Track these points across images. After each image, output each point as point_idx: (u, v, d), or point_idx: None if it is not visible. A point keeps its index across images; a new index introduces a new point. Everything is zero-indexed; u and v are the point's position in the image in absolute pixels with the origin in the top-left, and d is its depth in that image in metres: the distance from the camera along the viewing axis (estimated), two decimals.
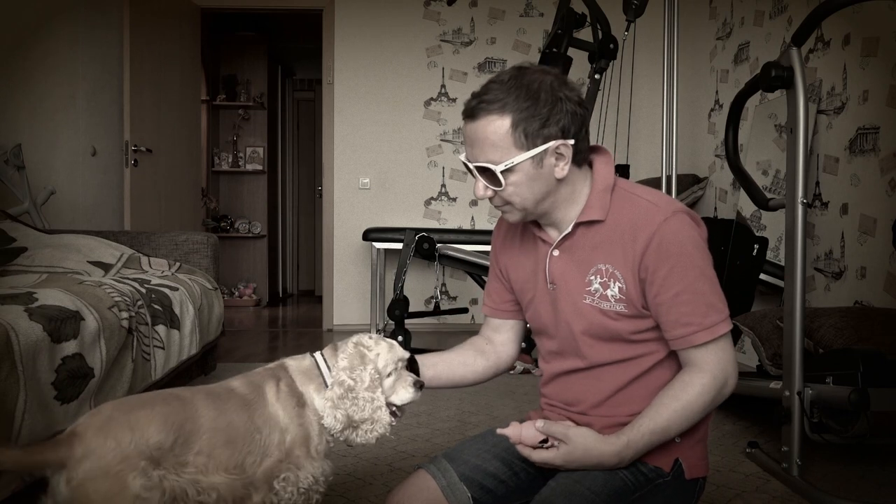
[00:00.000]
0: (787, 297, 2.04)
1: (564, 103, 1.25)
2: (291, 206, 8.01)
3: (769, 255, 3.34)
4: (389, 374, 1.34)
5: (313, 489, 1.29)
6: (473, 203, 5.27)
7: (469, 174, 1.32)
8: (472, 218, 5.29)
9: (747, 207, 3.78)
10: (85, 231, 3.33)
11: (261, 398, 1.28)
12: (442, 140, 5.27)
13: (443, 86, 5.27)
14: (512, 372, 3.69)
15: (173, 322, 2.61)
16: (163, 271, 2.98)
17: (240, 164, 7.01)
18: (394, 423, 1.34)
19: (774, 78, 2.03)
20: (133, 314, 2.25)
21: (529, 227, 1.41)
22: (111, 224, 4.63)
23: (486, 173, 1.27)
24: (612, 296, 1.29)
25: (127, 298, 2.27)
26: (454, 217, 5.28)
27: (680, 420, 1.26)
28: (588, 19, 3.79)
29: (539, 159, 1.25)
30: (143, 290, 2.48)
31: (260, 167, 7.01)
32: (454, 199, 5.28)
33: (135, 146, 4.53)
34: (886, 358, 2.00)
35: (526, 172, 1.25)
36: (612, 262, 1.29)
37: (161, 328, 2.50)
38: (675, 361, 1.33)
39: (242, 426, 1.23)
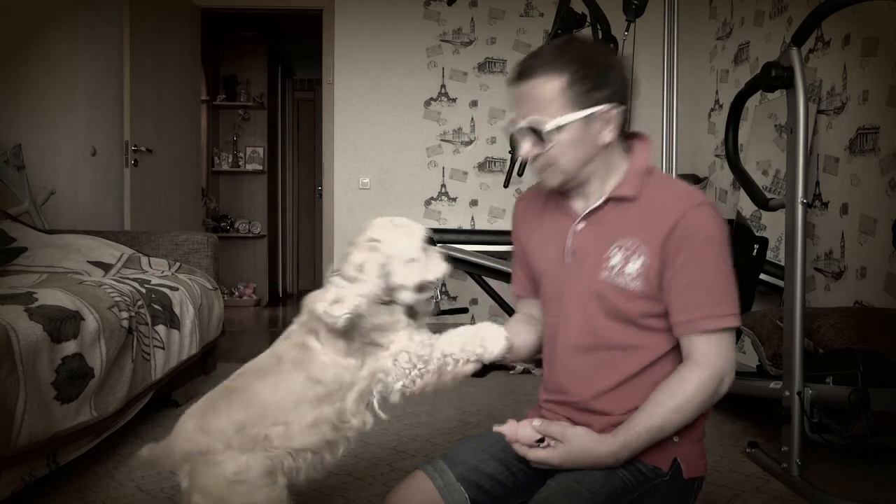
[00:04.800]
0: (787, 297, 2.04)
1: (616, 71, 1.28)
2: (291, 206, 8.01)
3: (769, 255, 3.34)
4: (413, 259, 1.30)
5: (417, 368, 1.30)
6: (473, 203, 5.27)
7: (509, 141, 1.34)
8: (472, 218, 5.28)
9: (747, 207, 3.78)
10: (85, 231, 3.33)
11: (308, 353, 1.29)
12: (442, 140, 5.27)
13: (443, 86, 5.27)
14: (512, 372, 3.69)
15: (173, 322, 2.61)
16: (163, 271, 2.98)
17: (240, 164, 7.01)
18: (434, 301, 1.32)
19: (774, 78, 2.03)
20: (133, 314, 2.25)
21: (555, 198, 1.42)
22: (111, 224, 4.63)
23: (534, 132, 1.28)
24: (632, 270, 1.29)
25: (127, 298, 2.27)
26: (454, 217, 5.28)
27: (676, 418, 1.26)
28: (588, 19, 3.79)
29: (588, 121, 1.27)
30: (143, 290, 2.47)
31: (260, 167, 7.01)
32: (454, 199, 5.28)
33: (135, 146, 4.53)
34: (886, 358, 2.00)
35: (574, 133, 1.27)
36: (639, 237, 1.30)
37: (161, 328, 2.50)
38: (674, 362, 1.32)
39: (301, 385, 1.27)
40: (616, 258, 1.31)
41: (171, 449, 1.28)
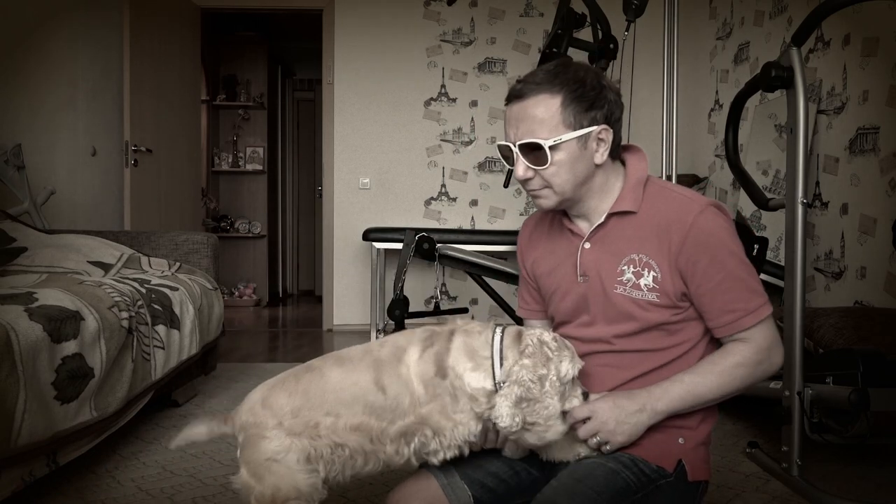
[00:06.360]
0: (787, 297, 2.04)
1: (607, 92, 1.30)
2: (291, 206, 8.01)
3: (769, 255, 3.34)
4: (566, 383, 1.28)
5: (454, 446, 1.28)
6: (473, 203, 5.27)
7: (504, 161, 1.35)
8: (472, 218, 5.28)
9: (747, 207, 3.78)
10: (85, 231, 3.33)
11: (395, 361, 1.28)
12: (442, 140, 5.27)
13: (443, 86, 5.27)
14: None
15: (173, 322, 2.61)
16: (163, 271, 2.98)
17: (240, 164, 7.01)
18: (563, 432, 1.28)
19: (774, 78, 2.03)
20: (133, 314, 2.25)
21: (559, 219, 1.44)
22: (111, 224, 4.63)
23: (531, 152, 1.29)
24: (646, 284, 1.32)
25: (127, 298, 2.27)
26: (454, 217, 5.28)
27: (713, 379, 1.29)
28: (588, 19, 3.79)
29: (584, 140, 1.29)
30: (143, 290, 2.47)
31: (260, 167, 7.01)
32: (454, 199, 5.28)
33: (135, 146, 4.53)
34: (886, 358, 2.00)
35: (570, 152, 1.29)
36: (647, 252, 1.32)
37: (161, 328, 2.50)
38: (696, 355, 1.35)
39: (365, 385, 1.27)
40: (628, 273, 1.33)
41: (234, 417, 1.34)
